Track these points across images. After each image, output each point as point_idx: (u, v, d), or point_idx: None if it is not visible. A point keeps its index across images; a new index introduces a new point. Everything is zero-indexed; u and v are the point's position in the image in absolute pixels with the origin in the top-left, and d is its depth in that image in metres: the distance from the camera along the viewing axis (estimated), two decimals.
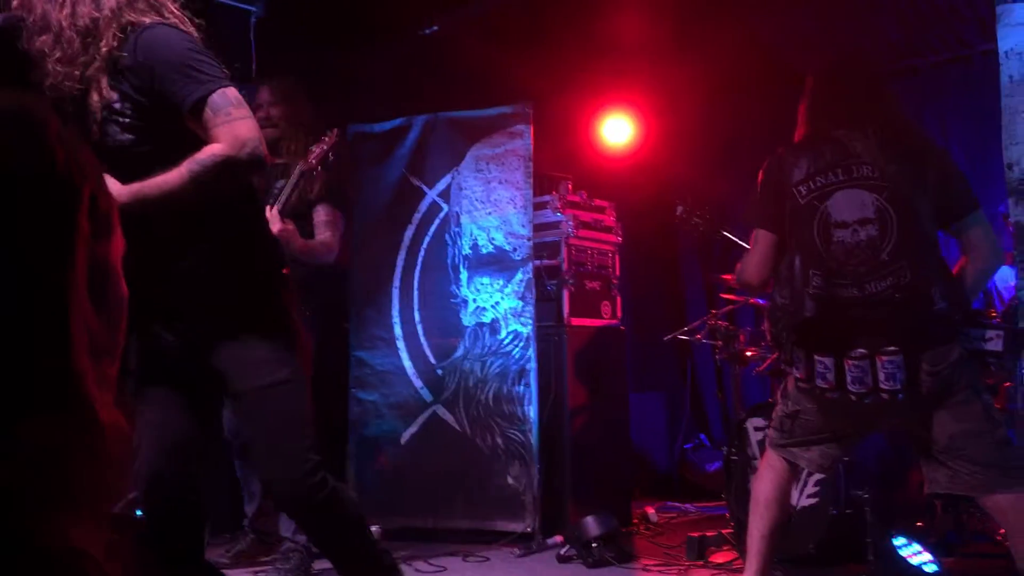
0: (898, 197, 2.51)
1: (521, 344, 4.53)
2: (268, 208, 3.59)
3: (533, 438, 4.43)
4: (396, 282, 4.84)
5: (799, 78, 2.94)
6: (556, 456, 4.57)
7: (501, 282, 4.60)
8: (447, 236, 4.78)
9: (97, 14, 2.07)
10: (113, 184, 1.99)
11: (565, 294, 4.80)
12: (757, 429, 3.98)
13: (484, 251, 4.68)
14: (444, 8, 5.52)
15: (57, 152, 0.93)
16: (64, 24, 2.06)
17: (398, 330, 4.82)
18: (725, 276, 4.90)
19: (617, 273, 5.16)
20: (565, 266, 4.83)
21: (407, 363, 4.82)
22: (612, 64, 5.90)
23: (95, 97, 2.08)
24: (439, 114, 4.87)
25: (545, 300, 4.78)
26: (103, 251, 1.01)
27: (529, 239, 4.56)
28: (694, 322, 5.13)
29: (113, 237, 1.03)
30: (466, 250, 4.72)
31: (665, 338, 5.23)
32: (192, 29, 2.19)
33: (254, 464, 2.42)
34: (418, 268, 4.82)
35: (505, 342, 4.58)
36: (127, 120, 2.08)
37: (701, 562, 3.93)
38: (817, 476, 3.57)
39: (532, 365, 4.48)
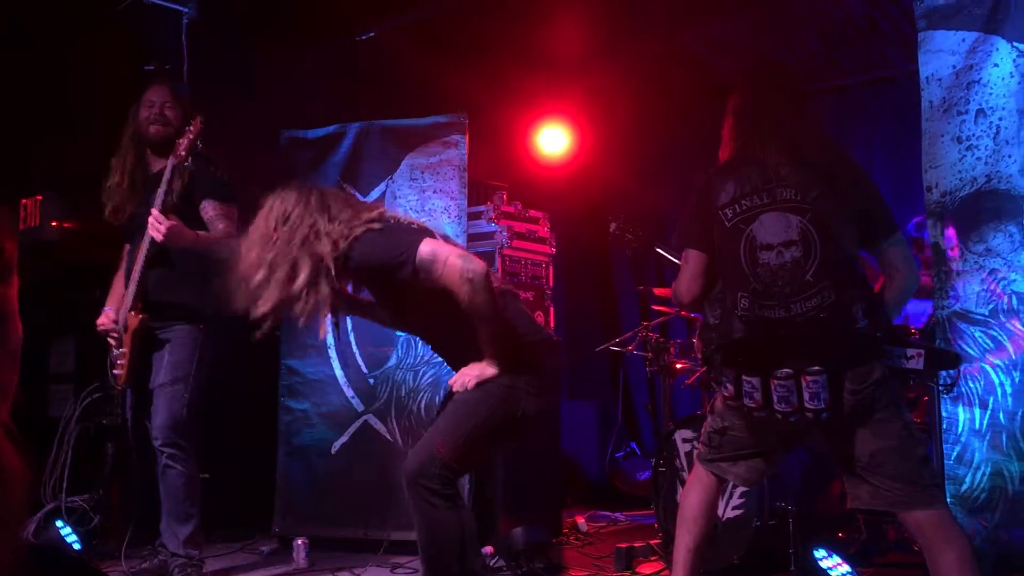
0: (820, 219, 2.56)
1: None
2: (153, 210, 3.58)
3: None
4: None
5: (726, 90, 2.95)
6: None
7: None
8: None
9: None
10: (472, 369, 2.76)
11: None
12: (685, 441, 4.04)
13: None
14: (381, 14, 5.49)
15: None
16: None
17: (330, 338, 4.76)
18: (657, 290, 4.96)
19: (551, 284, 5.18)
20: (499, 276, 4.83)
21: (338, 372, 4.77)
22: (548, 74, 5.94)
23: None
24: (374, 122, 4.83)
25: None
26: (2, 293, 0.99)
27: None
28: (627, 332, 5.19)
29: (12, 280, 1.02)
30: None
31: (597, 349, 5.29)
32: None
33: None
34: None
35: None
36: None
37: (629, 573, 3.98)
38: (743, 488, 3.64)
39: None
